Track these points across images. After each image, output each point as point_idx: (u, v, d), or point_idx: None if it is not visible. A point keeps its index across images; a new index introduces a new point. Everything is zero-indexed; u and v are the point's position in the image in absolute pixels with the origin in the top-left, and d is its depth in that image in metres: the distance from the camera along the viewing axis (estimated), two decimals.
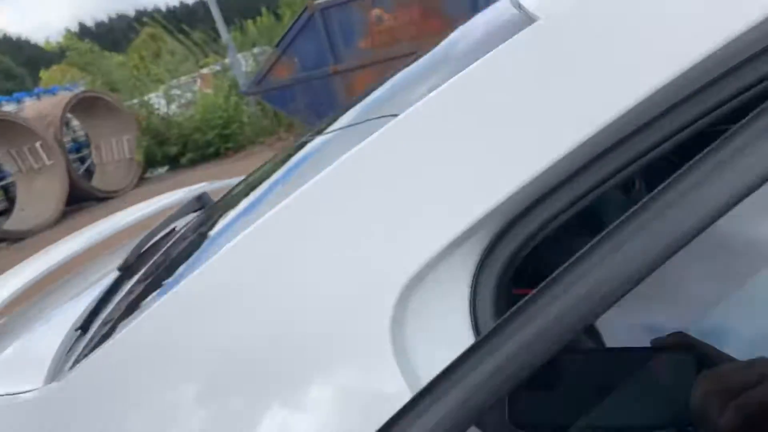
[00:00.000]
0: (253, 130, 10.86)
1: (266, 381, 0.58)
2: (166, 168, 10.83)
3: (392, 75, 1.07)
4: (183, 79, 13.03)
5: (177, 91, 12.11)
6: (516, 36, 0.57)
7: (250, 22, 13.23)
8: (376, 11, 7.24)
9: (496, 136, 0.55)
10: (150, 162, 10.72)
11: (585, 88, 0.52)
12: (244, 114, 11.07)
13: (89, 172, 10.56)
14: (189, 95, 12.14)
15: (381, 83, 1.07)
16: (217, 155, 10.59)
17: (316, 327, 0.57)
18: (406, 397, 0.53)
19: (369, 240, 0.56)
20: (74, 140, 10.62)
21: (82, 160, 10.58)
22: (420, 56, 1.06)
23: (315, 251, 0.58)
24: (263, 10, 13.45)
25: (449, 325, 0.56)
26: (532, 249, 0.63)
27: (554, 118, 0.52)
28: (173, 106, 11.70)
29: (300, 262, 0.58)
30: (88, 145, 10.80)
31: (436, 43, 1.05)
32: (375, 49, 7.37)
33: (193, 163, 10.57)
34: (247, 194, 0.98)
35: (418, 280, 0.55)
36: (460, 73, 0.58)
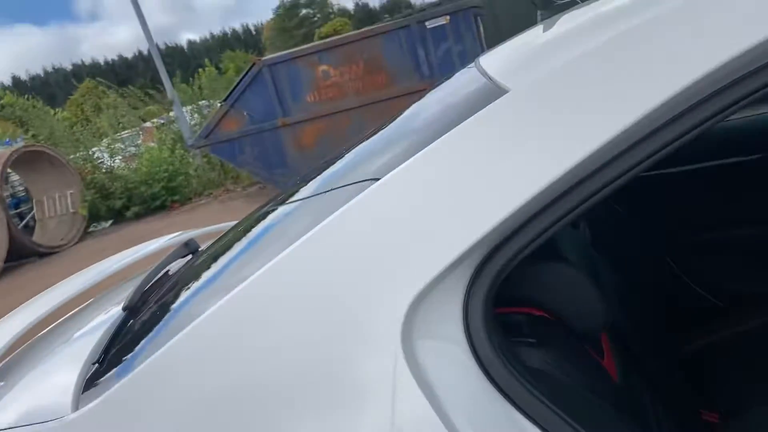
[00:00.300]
0: (200, 182, 10.87)
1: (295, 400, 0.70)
2: (110, 222, 10.65)
3: (366, 138, 1.20)
4: (125, 132, 12.96)
5: (120, 145, 12.04)
6: (490, 105, 0.72)
7: (199, 73, 13.36)
8: (322, 67, 7.50)
9: (475, 188, 0.70)
10: (94, 216, 10.53)
11: (546, 147, 0.68)
12: (190, 166, 11.08)
13: (29, 228, 10.28)
14: (132, 149, 12.08)
15: (355, 144, 1.20)
16: (162, 208, 10.51)
17: (336, 328, 0.70)
18: (415, 390, 0.66)
19: (388, 264, 0.70)
20: (13, 195, 10.36)
21: (21, 216, 10.30)
22: (393, 120, 1.20)
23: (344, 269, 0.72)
24: (206, 63, 13.62)
25: (448, 332, 0.70)
26: (509, 273, 0.78)
27: (521, 172, 0.68)
28: (117, 160, 11.61)
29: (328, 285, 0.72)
30: (27, 200, 10.54)
31: (408, 107, 1.21)
32: (322, 102, 7.59)
33: (138, 216, 10.45)
34: (240, 241, 1.09)
35: (423, 296, 0.69)
36: (442, 138, 0.73)
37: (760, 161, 1.80)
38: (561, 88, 0.70)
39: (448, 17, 7.23)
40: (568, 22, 0.94)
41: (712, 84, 0.65)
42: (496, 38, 8.89)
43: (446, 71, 7.26)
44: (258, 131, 7.69)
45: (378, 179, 0.75)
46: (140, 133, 13.10)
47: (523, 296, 0.90)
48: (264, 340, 0.74)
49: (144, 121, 13.19)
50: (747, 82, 0.65)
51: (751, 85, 0.65)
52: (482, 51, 7.83)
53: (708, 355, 1.67)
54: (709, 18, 0.65)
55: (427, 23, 7.25)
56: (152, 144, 11.68)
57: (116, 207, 10.57)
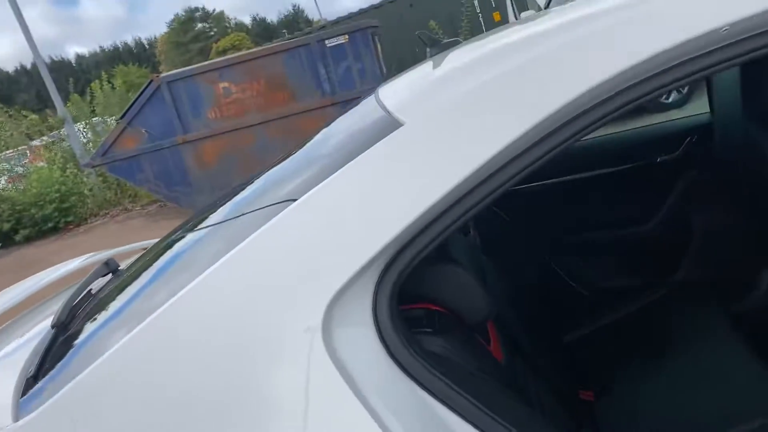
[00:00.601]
0: (96, 202, 10.44)
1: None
2: None
3: (278, 162, 1.30)
4: (10, 152, 12.24)
5: (5, 165, 11.36)
6: (389, 136, 0.88)
7: (91, 87, 12.83)
8: (223, 84, 7.49)
9: (378, 206, 0.85)
10: None
11: (434, 170, 0.84)
12: (84, 186, 10.62)
13: None
14: (20, 169, 11.43)
15: (269, 168, 1.30)
16: (56, 230, 10.01)
17: (264, 331, 0.83)
18: (339, 381, 0.80)
19: (309, 270, 0.84)
20: None
21: None
22: (302, 145, 1.33)
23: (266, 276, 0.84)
24: (102, 77, 13.13)
25: (360, 323, 0.85)
26: (410, 274, 0.94)
27: (414, 191, 0.84)
28: (2, 181, 10.95)
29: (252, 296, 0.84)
30: None
31: (316, 134, 1.34)
32: (223, 119, 7.57)
33: (29, 239, 9.89)
34: (162, 261, 1.17)
35: (340, 294, 0.83)
36: (351, 163, 0.87)
37: (619, 173, 2.08)
38: (447, 120, 0.87)
39: (347, 36, 7.43)
40: (453, 60, 1.12)
41: (568, 113, 0.83)
42: (393, 57, 9.14)
43: (347, 88, 7.46)
44: (157, 149, 7.55)
45: (295, 200, 0.88)
46: (27, 152, 12.40)
47: (423, 294, 1.06)
48: (192, 355, 0.85)
49: (31, 138, 12.51)
50: (595, 110, 0.83)
51: (598, 113, 0.83)
52: (380, 69, 8.06)
53: (584, 342, 1.91)
54: (566, 63, 0.84)
55: (327, 42, 7.41)
56: (42, 164, 11.10)
57: (3, 230, 9.97)
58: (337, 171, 0.88)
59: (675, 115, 2.15)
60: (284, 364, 0.83)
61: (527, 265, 2.11)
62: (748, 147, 1.69)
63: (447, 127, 0.86)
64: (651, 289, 1.97)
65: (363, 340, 0.85)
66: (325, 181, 0.87)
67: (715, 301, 1.85)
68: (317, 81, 7.49)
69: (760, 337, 1.62)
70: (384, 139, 0.88)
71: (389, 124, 0.92)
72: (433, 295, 1.07)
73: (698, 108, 2.11)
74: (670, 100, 5.82)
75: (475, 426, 0.82)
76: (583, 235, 2.14)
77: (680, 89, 5.36)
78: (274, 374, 0.84)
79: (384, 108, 1.03)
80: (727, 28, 0.78)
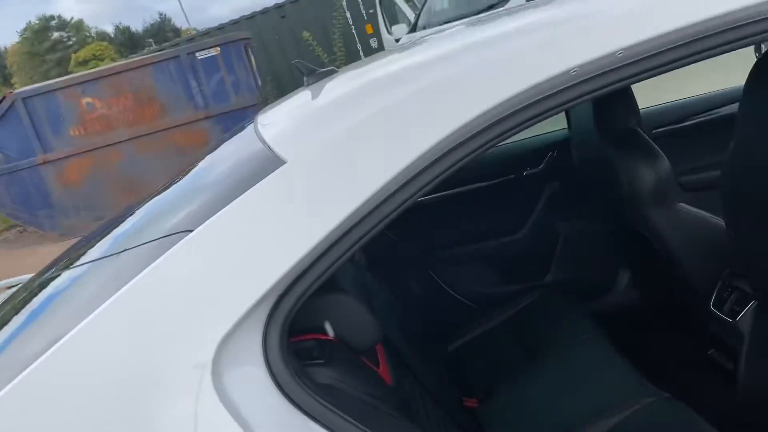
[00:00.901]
0: None
1: None
2: None
3: (159, 192, 1.27)
4: None
5: None
6: (271, 175, 0.89)
7: None
8: (86, 99, 7.08)
9: (265, 246, 0.85)
10: None
11: (317, 209, 0.86)
12: None
13: None
14: None
15: (148, 198, 1.26)
16: None
17: (150, 380, 0.81)
18: (229, 423, 0.80)
19: (203, 303, 0.83)
20: None
21: None
22: (181, 178, 1.30)
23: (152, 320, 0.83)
24: None
25: (251, 362, 0.85)
26: (298, 309, 0.95)
27: (299, 231, 0.85)
28: None
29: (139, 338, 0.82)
30: None
31: (195, 165, 1.32)
32: (88, 136, 7.16)
33: None
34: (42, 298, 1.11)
35: (231, 334, 0.83)
36: (236, 200, 0.88)
37: (491, 187, 2.21)
38: (329, 157, 0.89)
39: (218, 48, 7.29)
40: (331, 92, 1.14)
41: (449, 143, 0.88)
42: (268, 69, 9.06)
43: (221, 101, 7.31)
44: (14, 170, 7.01)
45: (191, 230, 0.87)
46: None
47: (312, 325, 1.08)
48: (77, 408, 0.81)
49: None
50: (471, 141, 0.89)
51: (475, 143, 0.89)
52: (255, 81, 7.94)
53: (467, 351, 2.01)
54: (446, 96, 0.89)
55: (197, 54, 7.23)
56: None
57: None
58: (227, 205, 0.87)
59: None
60: (176, 407, 0.82)
61: (411, 279, 2.18)
62: (600, 160, 1.85)
63: (330, 163, 0.89)
64: (525, 294, 2.10)
65: (253, 379, 0.86)
66: (217, 214, 0.87)
67: (580, 301, 2.01)
68: (189, 94, 7.28)
69: (620, 334, 1.78)
70: (267, 178, 0.89)
71: (271, 161, 0.93)
72: (322, 325, 1.08)
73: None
74: None
75: None
76: (463, 247, 2.25)
77: None
78: (166, 419, 0.82)
79: (264, 141, 1.04)
80: (576, 69, 0.87)
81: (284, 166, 0.90)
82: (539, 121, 0.90)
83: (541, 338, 1.87)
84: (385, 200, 0.88)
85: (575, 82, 0.87)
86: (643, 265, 2.09)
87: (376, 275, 1.86)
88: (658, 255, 1.76)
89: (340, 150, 0.90)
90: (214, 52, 7.32)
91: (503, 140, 0.89)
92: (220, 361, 0.83)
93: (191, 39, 12.70)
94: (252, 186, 0.89)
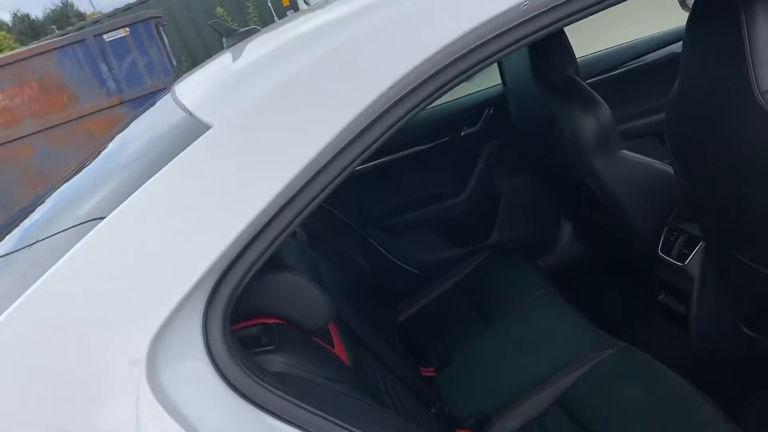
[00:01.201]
0: None
1: None
2: None
3: (68, 177, 1.14)
4: None
5: None
6: (196, 141, 0.77)
7: None
8: None
9: (195, 223, 0.74)
10: None
11: (253, 176, 0.76)
12: None
13: None
14: None
15: (58, 186, 1.13)
16: None
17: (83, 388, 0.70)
18: (170, 425, 0.70)
19: (127, 296, 0.72)
20: None
21: None
22: (94, 156, 1.17)
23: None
24: None
25: (192, 357, 0.75)
26: (240, 293, 0.85)
27: (234, 202, 0.75)
28: None
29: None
30: None
31: (110, 140, 1.18)
32: None
33: None
34: None
35: (165, 328, 0.72)
36: (157, 175, 0.76)
37: (430, 150, 2.14)
38: (262, 119, 0.78)
39: (127, 29, 6.88)
40: (254, 51, 1.03)
41: (389, 99, 0.78)
42: (182, 48, 8.66)
43: (136, 85, 6.92)
44: None
45: (103, 217, 0.75)
46: None
47: (258, 309, 0.97)
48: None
49: None
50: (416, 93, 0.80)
51: (420, 96, 0.80)
52: (170, 61, 7.61)
53: (417, 320, 1.95)
54: (380, 47, 0.79)
55: (105, 36, 6.81)
56: None
57: None
58: (144, 183, 0.76)
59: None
60: (115, 411, 0.72)
61: (355, 253, 2.10)
62: (539, 113, 1.81)
63: (263, 125, 0.78)
64: (471, 257, 2.05)
65: (196, 374, 0.75)
66: (133, 195, 0.75)
67: (527, 259, 1.98)
68: (100, 80, 6.86)
69: (570, 289, 1.76)
70: (192, 146, 0.78)
71: (194, 127, 0.82)
72: (269, 308, 0.99)
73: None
74: None
75: None
76: (405, 214, 2.18)
77: None
78: (104, 425, 0.72)
79: (184, 108, 0.92)
80: (527, 3, 0.79)
81: (210, 130, 0.78)
82: (492, 63, 0.81)
83: (492, 300, 1.83)
84: (331, 161, 0.79)
85: (527, 17, 0.79)
86: (586, 218, 2.07)
87: (319, 252, 1.77)
88: (601, 205, 1.74)
89: (274, 110, 0.79)
90: (122, 33, 6.91)
91: (448, 90, 0.81)
92: (156, 359, 0.73)
93: (97, 22, 12.01)
94: (174, 157, 0.77)
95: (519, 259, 1.96)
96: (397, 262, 2.17)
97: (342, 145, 0.79)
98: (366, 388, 1.11)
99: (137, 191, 0.76)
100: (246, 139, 0.78)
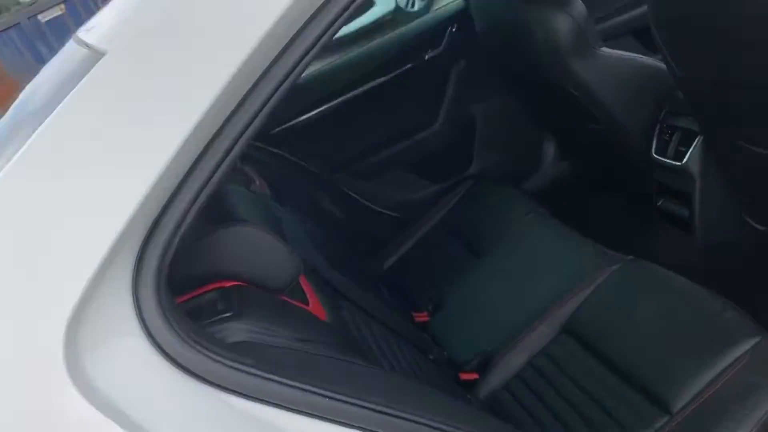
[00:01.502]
0: None
1: None
2: None
3: None
4: None
5: None
6: (91, 71, 0.61)
7: None
8: None
9: (102, 168, 0.59)
10: None
11: (167, 106, 0.60)
12: None
13: None
14: None
15: None
16: None
17: None
18: (94, 414, 0.56)
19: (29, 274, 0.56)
20: None
21: None
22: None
23: None
24: None
25: (123, 338, 0.60)
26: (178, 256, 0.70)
27: (146, 138, 0.59)
28: None
29: None
30: None
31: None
32: None
33: None
34: None
35: (82, 307, 0.57)
36: (51, 116, 0.60)
37: (393, 80, 1.96)
38: (166, 37, 0.62)
39: (63, 6, 6.52)
40: None
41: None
42: None
43: None
44: None
45: None
46: None
47: (212, 272, 0.83)
48: None
49: None
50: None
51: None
52: None
53: (403, 266, 1.82)
54: None
55: (39, 17, 6.44)
56: None
57: None
58: (35, 132, 0.60)
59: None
60: (39, 406, 0.58)
61: (327, 203, 1.94)
62: (508, 22, 1.64)
63: (168, 44, 0.62)
64: (453, 190, 1.91)
65: (133, 359, 0.61)
66: (24, 146, 0.59)
67: (512, 185, 1.85)
68: (43, 63, 6.52)
69: (562, 210, 1.63)
70: (85, 78, 0.61)
71: (90, 60, 0.65)
72: (225, 269, 0.84)
73: None
74: (416, 8, 5.89)
75: (314, 415, 0.64)
76: (375, 154, 2.02)
77: None
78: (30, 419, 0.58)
79: (84, 44, 0.75)
80: None
81: (104, 57, 0.62)
82: None
83: (480, 233, 1.70)
84: (261, 78, 0.63)
85: None
86: (570, 132, 1.93)
87: (288, 206, 1.62)
88: (585, 113, 1.59)
89: (177, 26, 0.62)
90: (59, 11, 6.55)
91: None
92: (77, 347, 0.58)
93: (33, 3, 11.46)
94: (68, 94, 0.61)
95: (503, 185, 1.83)
96: (374, 207, 2.02)
97: (275, 54, 0.63)
98: (350, 344, 0.97)
99: (29, 141, 0.60)
100: (146, 62, 0.61)
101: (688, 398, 1.02)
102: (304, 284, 1.02)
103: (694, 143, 1.40)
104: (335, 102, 1.92)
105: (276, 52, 0.63)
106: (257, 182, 1.57)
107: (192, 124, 0.59)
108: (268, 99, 0.63)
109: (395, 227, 1.96)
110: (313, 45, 0.64)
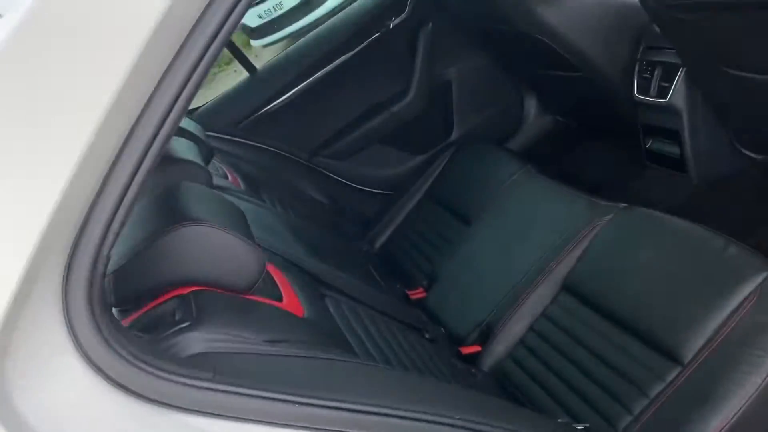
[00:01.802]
0: None
1: None
2: None
3: None
4: None
5: None
6: None
7: None
8: None
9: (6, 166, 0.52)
10: None
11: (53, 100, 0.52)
12: None
13: None
14: None
15: None
16: None
17: None
18: None
19: None
20: None
21: None
22: None
23: None
24: None
25: (58, 370, 0.54)
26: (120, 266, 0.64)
27: (53, 134, 0.52)
28: None
29: None
30: None
31: None
32: None
33: None
34: None
35: (4, 338, 0.51)
36: None
37: (360, 54, 1.88)
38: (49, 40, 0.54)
39: None
40: None
41: None
42: None
43: None
44: None
45: None
46: None
47: (166, 280, 0.76)
48: None
49: None
50: None
51: None
52: None
53: (394, 243, 1.75)
54: None
55: None
56: None
57: None
58: None
59: None
60: None
61: (308, 189, 1.87)
62: None
63: (57, 44, 0.54)
64: (436, 159, 1.84)
65: (68, 389, 0.55)
66: None
67: (496, 146, 1.78)
68: None
69: (550, 165, 1.56)
70: None
71: None
72: (182, 275, 0.77)
73: None
74: None
75: (283, 424, 0.58)
76: (352, 131, 1.94)
77: None
78: None
79: None
80: None
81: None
82: None
83: (469, 199, 1.63)
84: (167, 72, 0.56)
85: None
86: (548, 84, 1.85)
87: (268, 199, 1.55)
88: (562, 61, 1.52)
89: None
90: None
91: None
92: (3, 379, 0.52)
93: None
94: None
95: (487, 147, 1.75)
96: (357, 186, 1.95)
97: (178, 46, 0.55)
98: (333, 338, 0.91)
99: None
100: (40, 58, 0.54)
101: (699, 346, 0.96)
102: (279, 279, 0.96)
103: (677, 77, 1.33)
104: (304, 84, 1.84)
105: (180, 43, 0.55)
106: (229, 178, 1.50)
107: (109, 101, 0.51)
108: (179, 92, 0.56)
109: (383, 204, 1.90)
110: (218, 31, 0.57)
